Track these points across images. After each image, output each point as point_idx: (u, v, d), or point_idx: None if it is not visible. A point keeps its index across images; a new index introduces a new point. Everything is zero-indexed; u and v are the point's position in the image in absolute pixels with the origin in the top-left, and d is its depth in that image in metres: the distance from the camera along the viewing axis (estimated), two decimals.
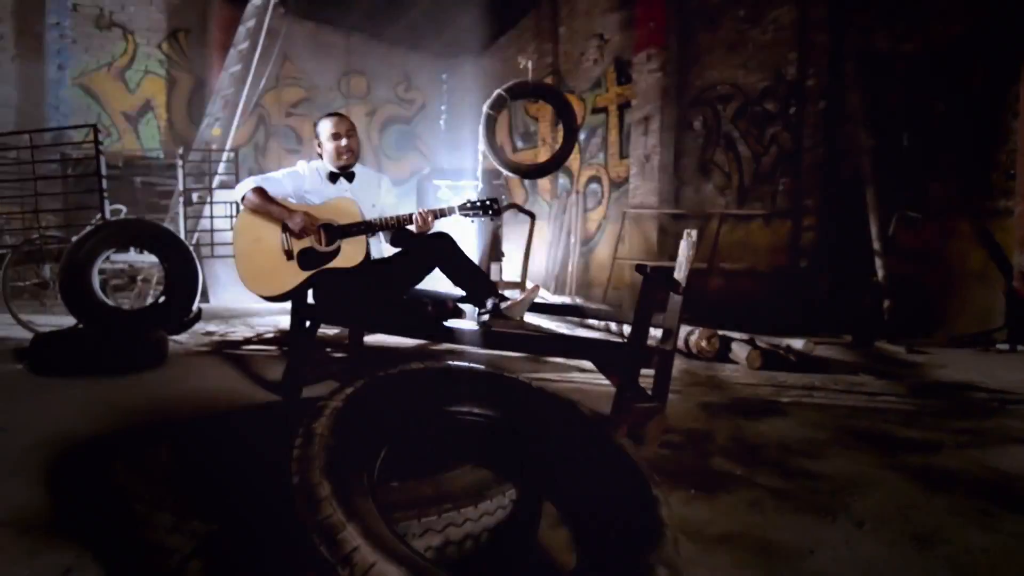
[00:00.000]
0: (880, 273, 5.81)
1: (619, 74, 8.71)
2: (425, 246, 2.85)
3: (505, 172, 5.84)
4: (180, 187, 5.98)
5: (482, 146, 5.59)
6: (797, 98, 6.90)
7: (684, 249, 2.68)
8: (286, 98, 9.71)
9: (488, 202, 2.90)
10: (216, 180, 6.27)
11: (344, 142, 3.05)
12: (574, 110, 5.85)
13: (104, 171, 4.90)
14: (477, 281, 2.76)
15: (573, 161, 9.19)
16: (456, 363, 1.43)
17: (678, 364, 4.25)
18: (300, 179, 3.02)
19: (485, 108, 5.46)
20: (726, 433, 2.70)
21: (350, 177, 3.11)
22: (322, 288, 2.84)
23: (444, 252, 2.81)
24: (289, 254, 2.80)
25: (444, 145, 11.46)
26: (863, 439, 2.68)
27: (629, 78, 8.38)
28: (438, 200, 7.46)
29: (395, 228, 2.87)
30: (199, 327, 5.26)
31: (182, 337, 4.88)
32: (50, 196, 5.57)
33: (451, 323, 2.63)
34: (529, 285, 7.21)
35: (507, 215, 6.94)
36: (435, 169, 9.64)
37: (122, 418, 2.68)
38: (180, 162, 5.85)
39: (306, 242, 2.82)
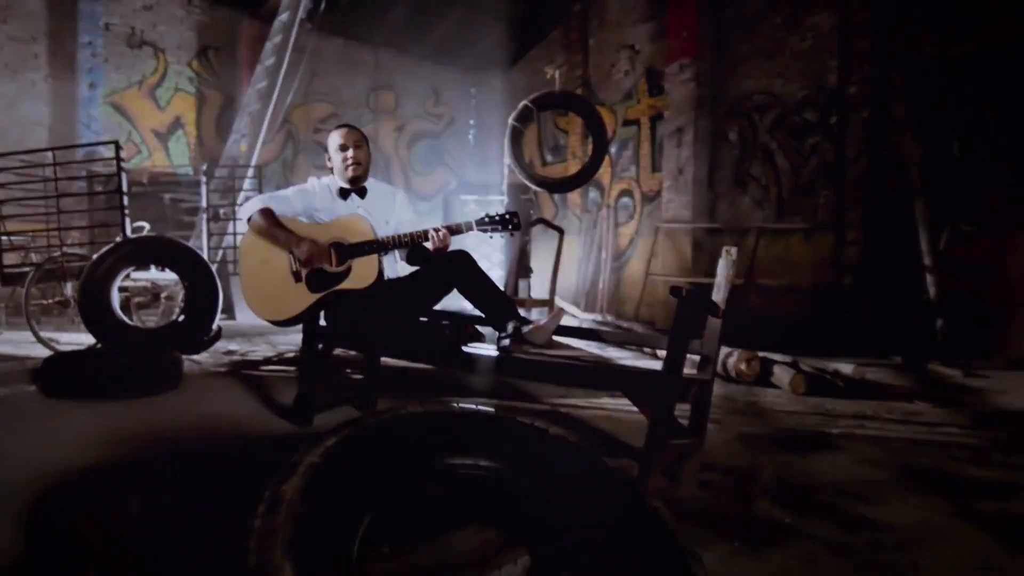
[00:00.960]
0: (931, 290, 5.47)
1: (651, 85, 8.49)
2: (441, 265, 2.66)
3: (532, 186, 5.64)
4: (204, 203, 5.92)
5: (508, 159, 5.40)
6: (839, 107, 6.60)
7: (723, 268, 2.44)
8: (314, 114, 9.69)
9: (508, 216, 2.70)
10: (241, 196, 6.19)
11: (350, 153, 2.88)
12: (603, 120, 5.64)
13: (126, 188, 4.83)
14: (497, 302, 2.56)
15: (604, 174, 8.98)
16: (459, 405, 1.22)
17: (715, 388, 3.99)
18: (310, 196, 2.86)
19: (510, 120, 5.28)
20: (772, 471, 2.45)
21: (362, 193, 2.94)
22: (333, 310, 2.67)
23: (462, 271, 2.62)
24: (297, 276, 2.64)
25: (472, 160, 11.35)
26: (926, 480, 2.40)
27: (661, 89, 8.15)
28: (464, 215, 7.32)
29: (409, 246, 2.69)
30: (220, 346, 5.15)
31: (201, 357, 4.77)
32: (77, 214, 5.54)
33: (469, 349, 2.43)
34: (558, 302, 7.00)
35: (536, 230, 6.74)
36: (463, 184, 9.51)
37: (120, 449, 2.53)
38: (204, 179, 5.78)
39: (314, 264, 2.66)
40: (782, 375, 3.98)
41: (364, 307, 2.62)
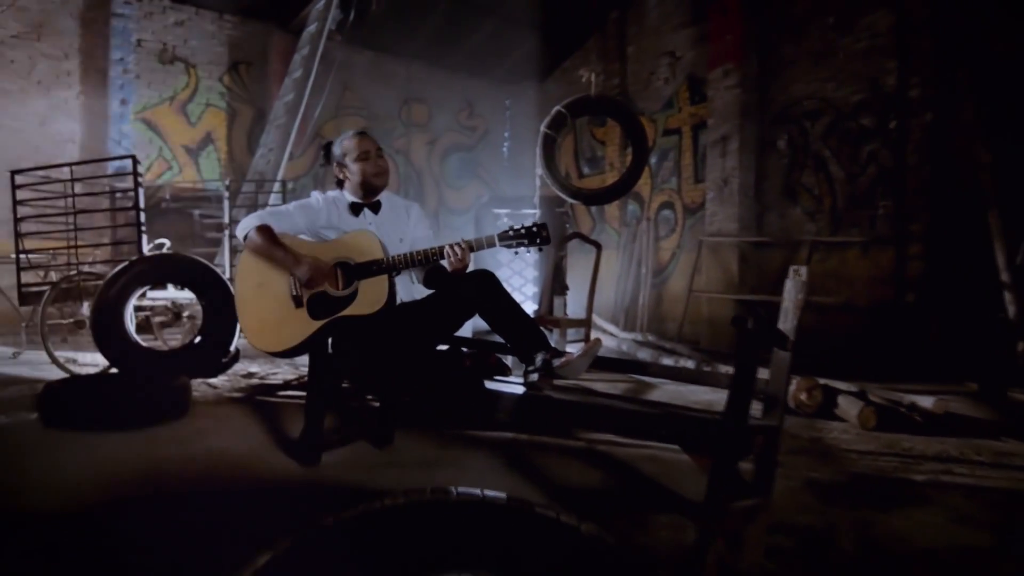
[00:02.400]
0: (1010, 309, 4.95)
1: (692, 93, 8.10)
2: (460, 287, 2.34)
3: (566, 198, 5.29)
4: (226, 219, 5.73)
5: (540, 170, 5.07)
6: (898, 111, 6.13)
7: (791, 290, 2.07)
8: (346, 127, 9.51)
9: (535, 228, 2.37)
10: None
11: (377, 162, 2.60)
12: (643, 126, 5.28)
13: (143, 204, 4.64)
14: (524, 330, 2.23)
15: (643, 186, 8.60)
16: (457, 492, 0.89)
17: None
18: (314, 212, 2.57)
19: (543, 127, 4.95)
20: (851, 533, 2.05)
21: (376, 207, 2.64)
22: (339, 339, 2.36)
23: (484, 293, 2.29)
24: (298, 300, 2.35)
25: (506, 173, 11.07)
26: None
27: (704, 96, 7.76)
28: (496, 230, 7.03)
29: (422, 265, 2.37)
30: (240, 367, 4.92)
31: (218, 380, 4.54)
32: (99, 231, 5.39)
33: (491, 384, 2.09)
34: (596, 320, 6.63)
35: (571, 245, 6.40)
36: (495, 197, 9.22)
37: (97, 493, 2.26)
38: (226, 193, 5.59)
39: (318, 286, 2.36)
40: (848, 407, 3.55)
41: (373, 335, 2.31)
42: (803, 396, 3.70)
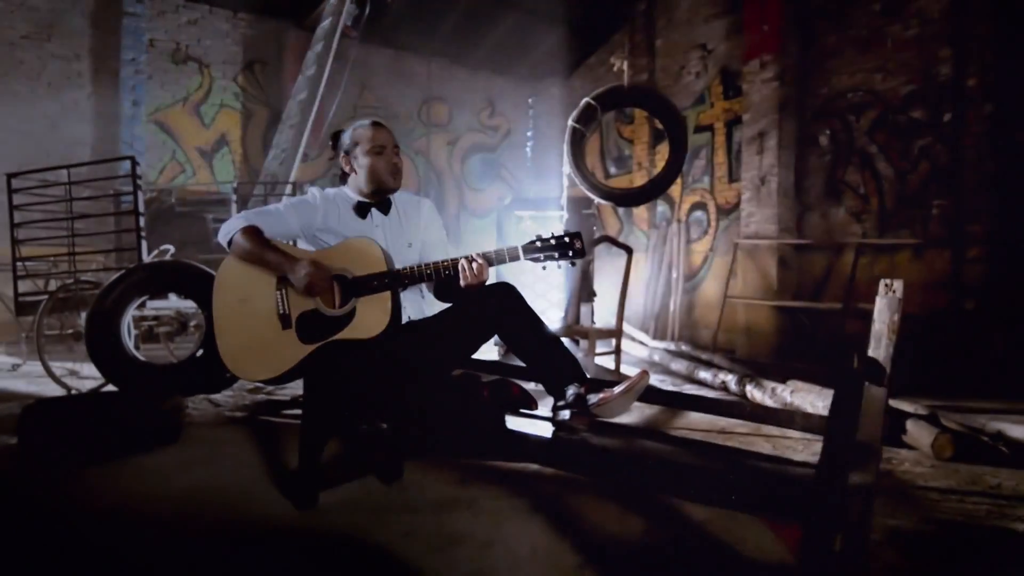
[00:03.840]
0: None
1: (726, 87, 7.67)
2: (477, 304, 1.98)
3: (596, 199, 4.90)
4: None
5: (567, 168, 4.69)
6: (954, 103, 5.66)
7: (884, 310, 1.69)
8: None
9: (567, 239, 2.00)
10: None
11: (394, 159, 2.27)
12: (682, 119, 4.87)
13: (142, 208, 4.36)
14: (554, 357, 1.86)
15: (674, 186, 8.16)
16: None
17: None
18: (311, 212, 2.23)
19: (570, 121, 4.57)
20: None
21: (386, 207, 2.29)
22: (333, 366, 2.00)
23: (504, 312, 1.93)
24: (286, 319, 2.00)
25: (529, 174, 10.70)
26: None
27: (738, 90, 7.33)
28: (519, 233, 6.65)
29: (431, 281, 2.02)
30: (245, 381, 4.63)
31: (221, 396, 4.24)
32: (102, 236, 5.13)
33: (514, 422, 1.73)
34: (626, 330, 6.21)
35: (599, 248, 6.02)
36: (518, 199, 8.85)
37: (45, 551, 1.94)
38: (234, 197, 5.30)
39: (308, 303, 2.01)
40: (919, 433, 3.13)
41: (374, 360, 1.96)
42: None
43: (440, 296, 2.22)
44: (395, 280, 1.99)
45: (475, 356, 2.24)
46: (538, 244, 2.00)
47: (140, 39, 7.56)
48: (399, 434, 2.35)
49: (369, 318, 1.95)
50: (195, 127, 8.04)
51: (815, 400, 3.65)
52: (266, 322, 2.00)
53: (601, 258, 6.75)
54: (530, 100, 10.83)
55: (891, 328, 1.65)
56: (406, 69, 9.58)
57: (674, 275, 7.87)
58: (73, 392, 4.22)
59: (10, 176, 4.49)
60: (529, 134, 10.87)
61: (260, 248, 2.05)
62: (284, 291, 2.03)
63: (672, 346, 6.54)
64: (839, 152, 6.52)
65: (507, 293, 1.99)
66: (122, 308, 3.97)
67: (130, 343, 4.05)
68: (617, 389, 1.77)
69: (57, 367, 4.78)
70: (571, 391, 1.78)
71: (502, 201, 9.35)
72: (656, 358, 6.13)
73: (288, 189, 5.87)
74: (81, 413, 2.98)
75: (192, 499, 2.41)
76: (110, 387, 3.99)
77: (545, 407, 2.00)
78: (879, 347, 1.64)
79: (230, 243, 2.13)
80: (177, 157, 7.90)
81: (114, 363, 3.90)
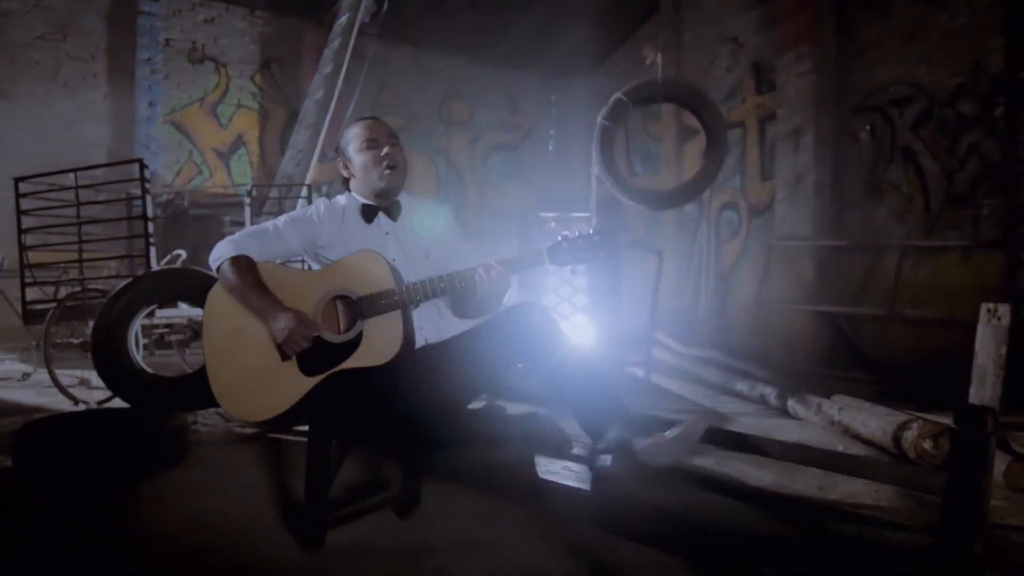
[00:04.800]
0: None
1: (758, 81, 7.35)
2: (501, 328, 1.74)
3: (628, 200, 4.63)
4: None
5: (596, 168, 4.43)
6: (1006, 95, 5.31)
7: (987, 342, 1.42)
8: None
9: (596, 237, 1.74)
10: None
11: (385, 151, 2.03)
12: (722, 116, 4.59)
13: (151, 213, 4.19)
14: (592, 392, 1.61)
15: None
16: None
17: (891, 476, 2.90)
18: (312, 227, 2.00)
19: (600, 118, 4.30)
20: None
21: (394, 211, 2.05)
22: (339, 399, 1.77)
23: (532, 338, 1.69)
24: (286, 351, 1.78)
25: (553, 173, 10.43)
26: None
27: (772, 85, 7.02)
28: (544, 235, 6.39)
29: (444, 295, 1.78)
30: None
31: None
32: (112, 243, 4.97)
33: (546, 466, 1.49)
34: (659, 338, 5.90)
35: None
36: (541, 199, 8.60)
37: None
38: (247, 200, 5.12)
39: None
40: None
41: (384, 389, 1.72)
42: (927, 445, 2.99)
43: (459, 313, 1.98)
44: (405, 297, 1.76)
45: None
46: (564, 245, 1.75)
47: (156, 38, 7.44)
48: (414, 468, 2.11)
49: (378, 342, 1.73)
50: (212, 128, 7.90)
51: (867, 419, 3.36)
52: (263, 353, 1.77)
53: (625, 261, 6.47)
54: (553, 97, 10.57)
55: (998, 363, 1.38)
56: (426, 66, 9.37)
57: (703, 278, 7.57)
58: (80, 405, 4.06)
59: (17, 180, 4.33)
60: (551, 132, 10.60)
61: (243, 286, 1.85)
62: None
63: (703, 353, 6.25)
64: (880, 149, 6.18)
65: (535, 314, 1.75)
66: (129, 318, 3.80)
67: (138, 355, 3.88)
68: (670, 434, 1.52)
69: (68, 375, 4.64)
70: (613, 433, 1.54)
71: (525, 201, 9.11)
72: (687, 366, 5.85)
73: (304, 191, 5.68)
74: (79, 435, 2.79)
75: (193, 534, 2.21)
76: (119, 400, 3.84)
77: (575, 441, 1.75)
78: (984, 385, 1.38)
79: (219, 269, 1.92)
80: (194, 158, 7.77)
81: (121, 376, 3.73)
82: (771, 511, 1.52)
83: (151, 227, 4.21)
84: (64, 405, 4.08)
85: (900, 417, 3.19)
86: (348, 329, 1.78)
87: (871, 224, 6.21)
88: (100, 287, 4.31)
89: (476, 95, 9.86)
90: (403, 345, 1.72)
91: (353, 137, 2.07)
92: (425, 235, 2.08)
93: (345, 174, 2.09)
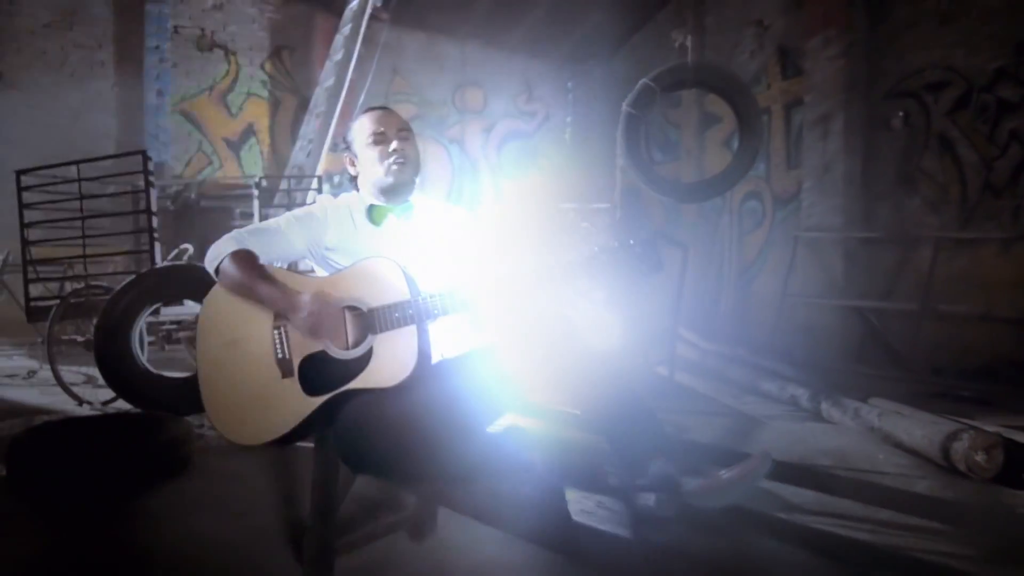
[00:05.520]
0: None
1: (784, 66, 7.08)
2: (522, 340, 1.55)
3: (655, 193, 4.40)
4: (256, 221, 5.11)
5: (622, 158, 4.20)
6: None
7: None
8: None
9: (638, 247, 1.54)
10: None
11: (394, 145, 1.84)
12: (757, 104, 4.34)
13: (155, 207, 4.04)
14: (628, 416, 1.43)
15: None
16: None
17: (939, 491, 2.70)
18: (318, 226, 1.83)
19: (625, 106, 4.06)
20: None
21: (405, 212, 1.87)
22: (347, 423, 1.59)
23: (558, 352, 1.50)
24: (286, 365, 1.61)
25: (569, 162, 10.18)
26: None
27: (799, 70, 6.75)
28: (563, 228, 6.17)
29: (464, 310, 1.60)
30: None
31: None
32: (119, 237, 4.84)
33: (578, 504, 1.31)
34: (682, 333, 5.66)
35: None
36: (560, 189, 8.38)
37: None
38: (255, 192, 4.96)
39: (314, 344, 1.61)
40: None
41: (396, 410, 1.54)
42: (979, 458, 2.78)
43: (477, 324, 1.79)
44: (422, 310, 1.58)
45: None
46: (601, 255, 1.53)
47: (164, 26, 7.29)
48: (428, 497, 1.94)
49: (390, 361, 1.55)
50: (222, 117, 7.75)
51: (910, 427, 3.15)
52: (262, 369, 1.60)
53: None
54: (569, 84, 10.31)
55: None
56: (439, 53, 9.15)
57: (724, 270, 7.35)
58: (85, 406, 3.94)
59: (19, 173, 4.20)
60: (568, 120, 10.36)
61: (252, 278, 1.66)
62: (283, 330, 1.63)
63: (728, 350, 6.03)
64: (914, 136, 5.91)
65: (560, 324, 1.56)
66: (132, 317, 3.67)
67: (142, 356, 3.75)
68: (726, 474, 1.33)
69: (75, 372, 4.54)
70: (656, 467, 1.35)
71: (542, 191, 8.88)
72: (710, 363, 5.64)
73: (314, 183, 5.51)
74: (76, 443, 2.66)
75: (193, 552, 2.06)
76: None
77: (609, 470, 1.57)
78: None
79: (218, 271, 1.75)
80: (204, 149, 7.63)
81: (124, 378, 3.61)
82: (860, 570, 1.33)
83: (155, 222, 4.05)
84: (68, 405, 3.95)
85: (948, 426, 2.98)
86: (358, 344, 1.60)
87: (903, 215, 5.95)
88: (105, 284, 4.17)
89: (490, 82, 9.63)
90: (418, 364, 1.54)
91: (360, 130, 1.88)
92: (443, 240, 1.90)
93: (352, 171, 1.91)
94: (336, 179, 7.25)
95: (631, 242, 1.53)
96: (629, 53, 9.44)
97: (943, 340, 5.36)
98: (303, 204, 5.83)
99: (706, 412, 4.12)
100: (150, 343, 4.37)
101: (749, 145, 4.14)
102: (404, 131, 1.88)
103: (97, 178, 4.28)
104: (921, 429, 3.06)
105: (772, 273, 6.98)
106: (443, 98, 9.25)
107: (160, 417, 2.97)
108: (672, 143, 8.53)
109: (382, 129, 1.85)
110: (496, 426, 1.66)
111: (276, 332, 1.63)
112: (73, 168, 4.17)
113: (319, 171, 5.93)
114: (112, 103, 7.15)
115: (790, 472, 2.76)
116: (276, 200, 5.75)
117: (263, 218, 5.14)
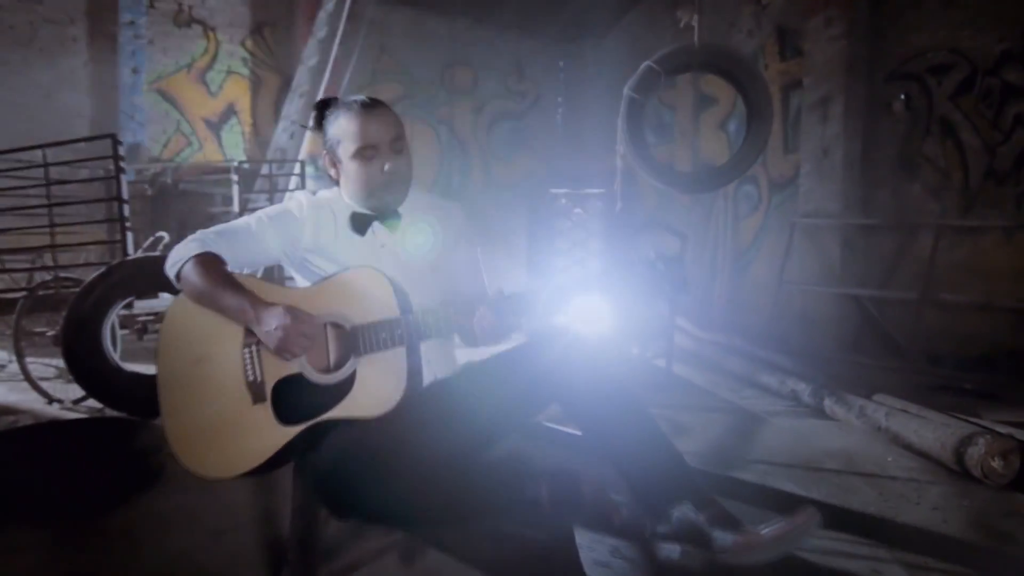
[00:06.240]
0: None
1: (783, 46, 6.88)
2: (526, 360, 1.39)
3: (658, 183, 4.21)
4: (235, 208, 4.88)
5: (622, 145, 4.01)
6: None
7: None
8: (383, 95, 8.45)
9: (660, 268, 1.38)
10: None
11: (388, 166, 1.62)
12: (768, 88, 4.15)
13: (126, 195, 3.81)
14: (647, 451, 1.27)
15: (720, 158, 7.44)
16: None
17: (951, 498, 2.58)
18: (296, 226, 1.64)
19: (627, 90, 3.85)
20: None
21: (392, 220, 1.67)
22: (328, 455, 1.42)
23: (568, 375, 1.34)
24: (258, 389, 1.43)
25: (561, 144, 9.96)
26: None
27: (797, 50, 6.56)
28: (556, 213, 5.99)
29: (460, 331, 1.43)
30: None
31: None
32: (93, 225, 4.61)
33: (589, 557, 1.15)
34: (680, 324, 5.49)
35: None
36: (550, 172, 8.16)
37: None
38: (235, 177, 4.73)
39: (290, 365, 1.43)
40: None
41: (383, 440, 1.37)
42: (995, 463, 2.66)
43: (470, 342, 1.59)
44: (412, 330, 1.40)
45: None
46: (619, 280, 1.37)
47: (139, 0, 6.95)
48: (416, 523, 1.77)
49: (375, 389, 1.38)
50: (201, 96, 7.45)
51: (920, 428, 3.03)
52: (230, 393, 1.42)
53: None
54: (561, 63, 10.06)
55: None
56: (427, 30, 8.85)
57: (719, 256, 7.20)
58: (54, 404, 3.75)
59: None
60: (559, 100, 10.12)
61: (215, 286, 1.46)
62: (254, 348, 1.45)
63: (724, 339, 5.91)
64: (916, 120, 5.76)
65: (572, 344, 1.40)
66: (103, 312, 3.46)
67: (115, 353, 3.55)
68: (767, 532, 1.17)
69: (46, 366, 4.33)
70: (680, 513, 1.20)
71: (533, 174, 8.67)
72: (706, 352, 5.51)
73: (296, 167, 5.28)
74: (34, 458, 2.47)
75: None
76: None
77: (622, 505, 1.41)
78: None
79: (179, 277, 1.56)
80: (182, 129, 7.34)
81: (95, 376, 3.41)
82: None
83: (127, 210, 3.82)
84: (37, 404, 3.76)
85: (962, 429, 2.86)
86: (339, 366, 1.42)
87: (903, 201, 5.82)
88: (75, 275, 3.95)
89: (480, 61, 9.35)
90: (407, 389, 1.37)
91: (345, 136, 1.63)
92: (433, 247, 1.70)
93: (332, 174, 1.71)
94: (320, 163, 7.02)
95: (654, 259, 1.36)
96: (623, 32, 9.19)
97: (942, 329, 5.26)
98: (285, 189, 5.61)
99: (705, 408, 4.00)
100: (125, 335, 4.18)
101: (759, 132, 3.95)
102: (398, 141, 1.65)
103: (65, 163, 4.04)
104: (932, 432, 2.94)
105: (768, 260, 6.85)
106: (431, 77, 8.97)
107: (130, 422, 2.79)
108: (666, 125, 8.33)
109: (374, 143, 1.61)
110: (495, 452, 1.50)
111: (247, 351, 1.45)
112: (39, 152, 3.93)
113: (302, 155, 5.70)
114: (85, 81, 6.83)
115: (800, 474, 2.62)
116: (257, 186, 5.52)
117: (242, 204, 4.90)
